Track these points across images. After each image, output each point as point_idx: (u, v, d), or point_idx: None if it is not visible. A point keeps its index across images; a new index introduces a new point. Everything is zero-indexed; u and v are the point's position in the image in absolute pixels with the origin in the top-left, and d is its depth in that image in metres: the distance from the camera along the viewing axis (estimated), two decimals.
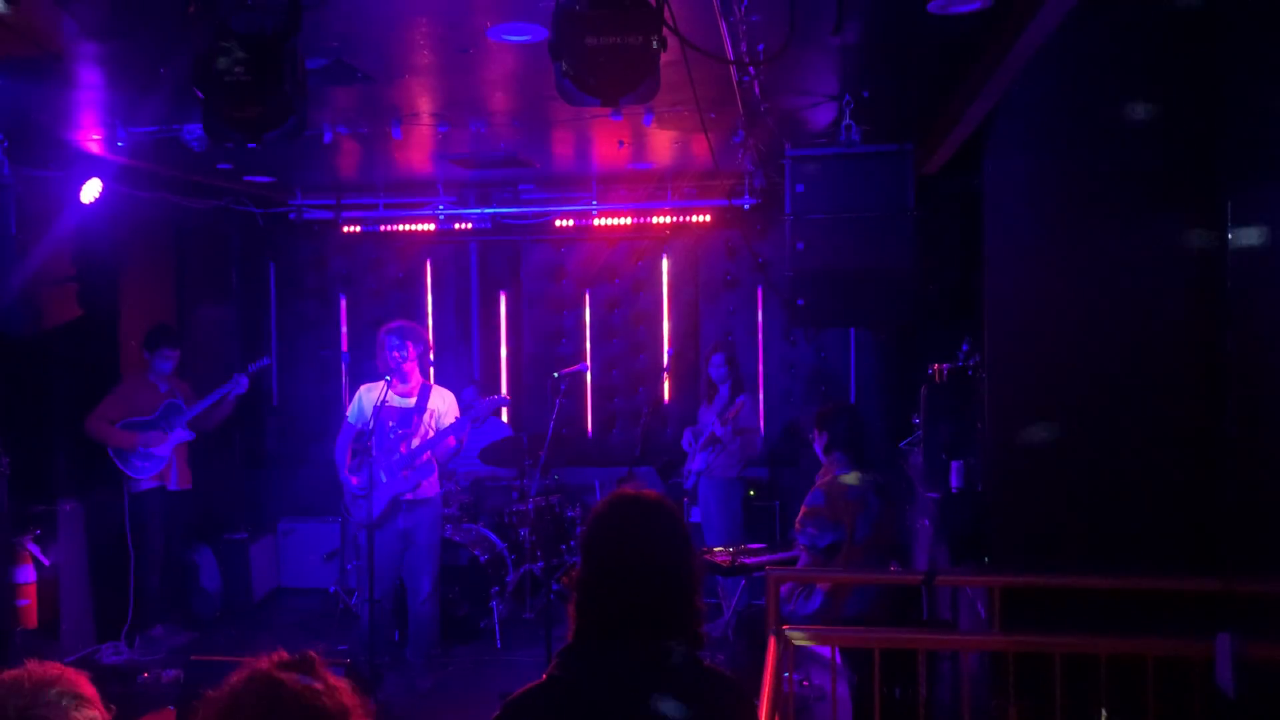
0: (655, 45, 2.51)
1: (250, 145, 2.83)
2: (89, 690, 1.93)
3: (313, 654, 1.70)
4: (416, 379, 5.91)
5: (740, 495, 6.98)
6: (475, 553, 6.66)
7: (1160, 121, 3.83)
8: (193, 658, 4.77)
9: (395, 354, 5.79)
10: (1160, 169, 3.84)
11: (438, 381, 6.27)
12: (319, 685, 1.66)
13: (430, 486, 5.97)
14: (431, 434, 5.85)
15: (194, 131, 5.05)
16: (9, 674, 1.90)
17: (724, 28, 3.50)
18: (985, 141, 4.24)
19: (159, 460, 6.57)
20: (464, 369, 8.52)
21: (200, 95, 2.68)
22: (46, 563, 6.16)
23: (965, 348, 5.39)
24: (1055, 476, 3.88)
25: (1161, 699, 3.32)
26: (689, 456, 7.06)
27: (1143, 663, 3.35)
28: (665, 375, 8.27)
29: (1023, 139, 3.97)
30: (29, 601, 6.04)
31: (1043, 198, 3.95)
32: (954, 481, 4.89)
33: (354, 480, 5.83)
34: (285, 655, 1.69)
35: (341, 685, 1.69)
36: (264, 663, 1.68)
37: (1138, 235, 3.83)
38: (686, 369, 8.31)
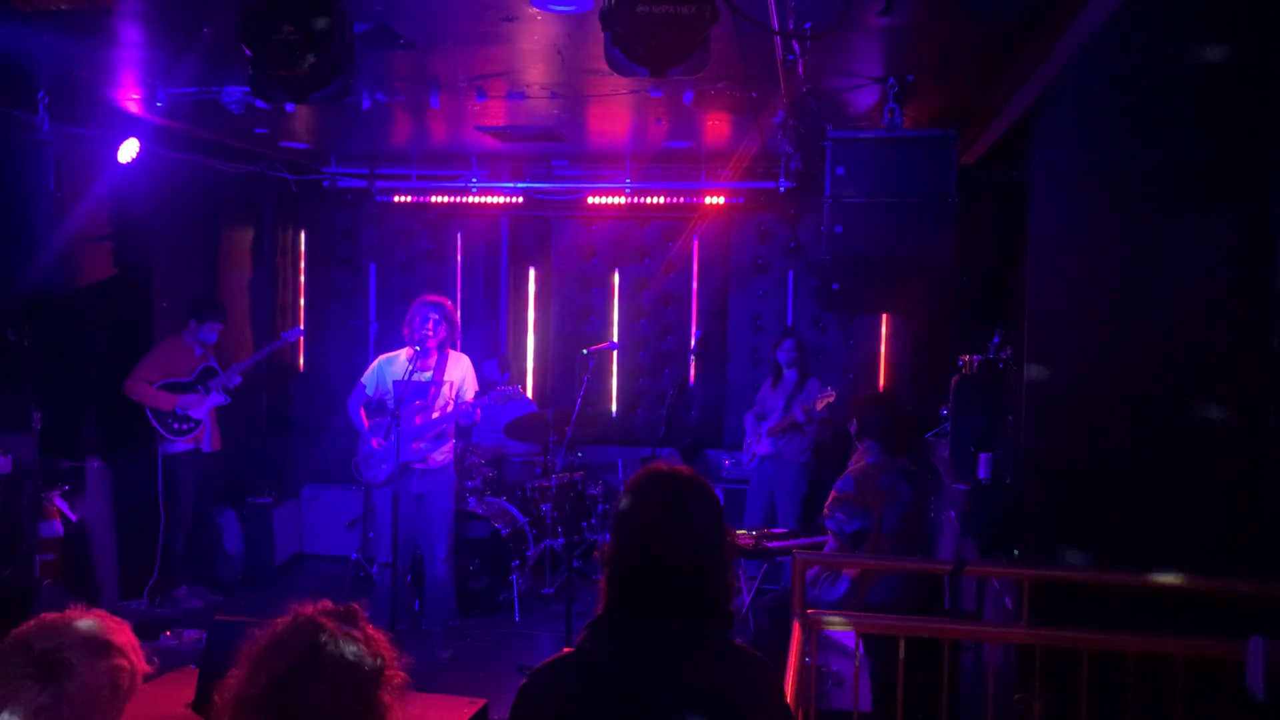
0: (708, 15, 2.48)
1: (290, 107, 2.82)
2: (122, 639, 1.95)
3: (355, 606, 1.76)
4: (434, 351, 5.93)
5: (807, 479, 6.98)
6: (496, 526, 6.68)
7: (1211, 115, 3.75)
8: (216, 618, 4.80)
9: (429, 327, 5.81)
10: (1210, 164, 3.76)
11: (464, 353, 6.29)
12: (359, 634, 1.73)
13: (444, 455, 6.01)
14: (450, 406, 5.88)
15: (233, 94, 5.05)
16: (48, 615, 1.93)
17: (772, 4, 3.46)
18: (1031, 132, 4.18)
19: (195, 423, 6.62)
20: (490, 343, 8.52)
21: (248, 52, 2.66)
22: (74, 519, 6.23)
23: (997, 340, 5.34)
24: (1090, 471, 3.82)
25: (1190, 699, 3.28)
26: (751, 439, 7.05)
27: (1172, 662, 3.31)
28: (692, 357, 8.24)
29: (1071, 130, 3.89)
30: (55, 556, 6.11)
31: (1089, 190, 3.88)
32: (982, 474, 4.85)
33: (374, 441, 5.86)
34: (330, 605, 1.74)
35: (380, 637, 1.75)
36: (309, 608, 1.75)
37: (1184, 231, 3.75)
38: (714, 351, 8.28)
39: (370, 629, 1.78)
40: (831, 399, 6.79)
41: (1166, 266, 3.79)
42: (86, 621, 1.95)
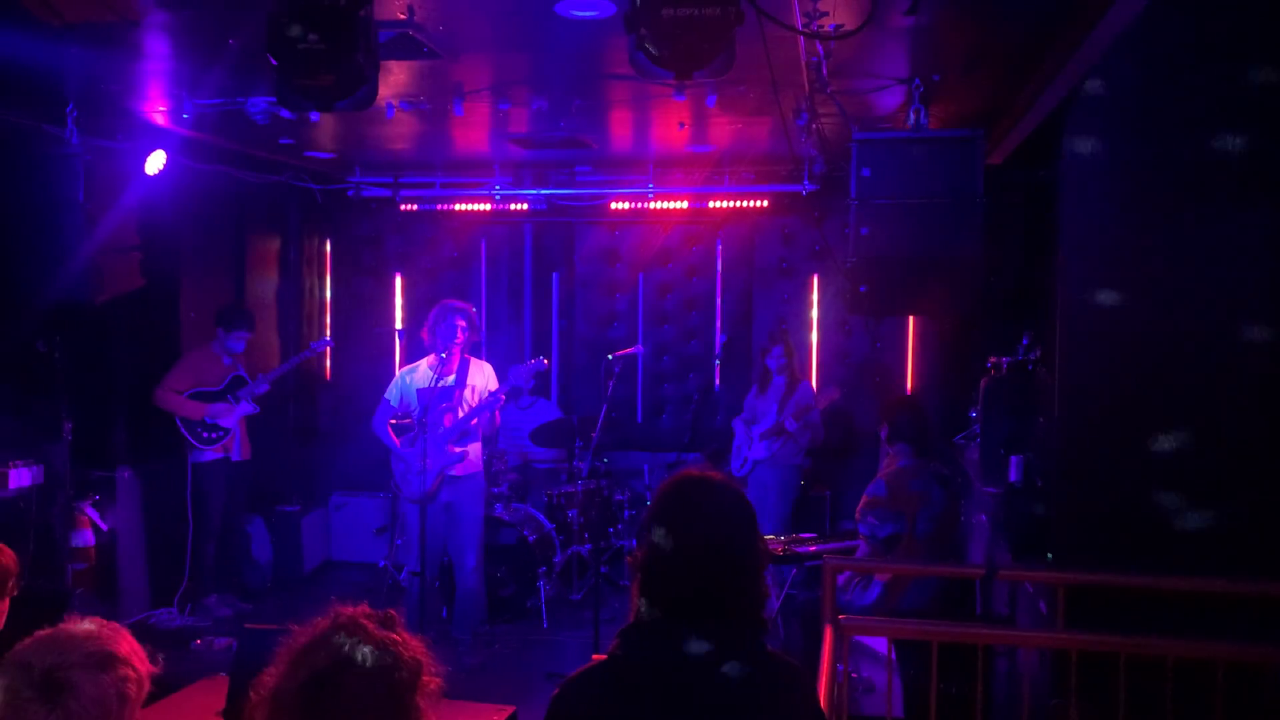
0: (732, 17, 2.46)
1: (315, 116, 2.83)
2: (124, 648, 1.94)
3: (393, 612, 1.78)
4: (456, 357, 5.95)
5: (799, 482, 6.96)
6: (524, 532, 6.67)
7: (1244, 110, 3.69)
8: (246, 626, 4.82)
9: (456, 333, 5.83)
10: (1245, 158, 3.70)
11: (489, 362, 6.31)
12: (396, 637, 1.76)
13: (474, 461, 6.02)
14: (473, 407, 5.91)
15: (258, 105, 5.09)
16: (43, 632, 1.91)
17: (796, 5, 3.44)
18: (1060, 130, 4.13)
19: (224, 431, 6.66)
20: (515, 350, 8.53)
21: (273, 62, 2.67)
22: (105, 528, 6.28)
23: (1025, 341, 5.28)
24: (1125, 474, 3.77)
25: (1230, 705, 3.22)
26: (742, 444, 7.03)
27: (1211, 668, 3.25)
28: (717, 362, 8.21)
29: (1101, 127, 3.84)
30: (87, 565, 6.16)
31: (1121, 187, 3.82)
32: (1013, 476, 4.79)
33: (407, 453, 5.90)
34: (369, 609, 1.76)
35: (416, 643, 1.76)
36: (348, 610, 1.78)
37: (1220, 227, 3.69)
38: (738, 356, 8.24)
39: (406, 633, 1.81)
40: (835, 397, 6.74)
41: (1201, 263, 3.73)
42: (85, 633, 1.92)
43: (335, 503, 8.18)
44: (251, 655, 3.34)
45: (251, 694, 1.76)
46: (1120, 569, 3.60)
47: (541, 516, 7.02)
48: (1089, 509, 3.86)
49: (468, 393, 5.96)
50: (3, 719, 1.80)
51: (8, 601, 2.66)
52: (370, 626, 1.76)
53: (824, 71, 4.31)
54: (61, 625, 1.92)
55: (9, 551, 2.72)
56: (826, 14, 3.58)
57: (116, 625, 1.97)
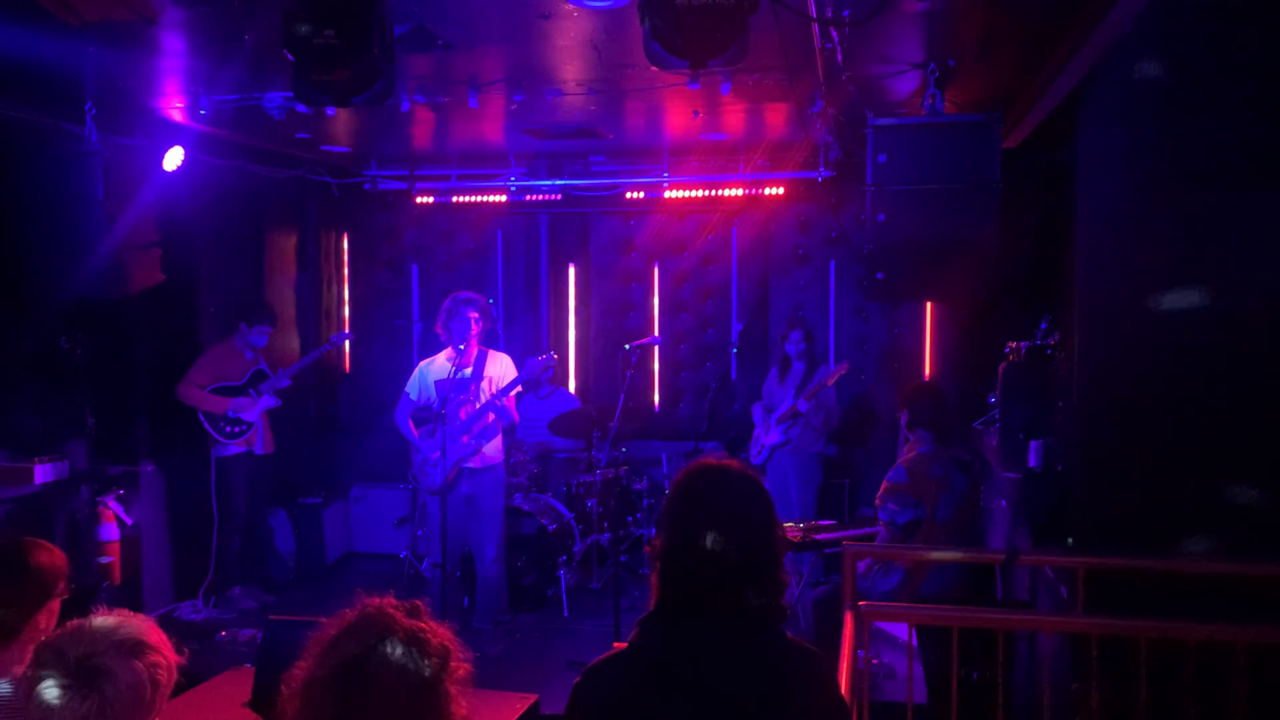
0: (746, 5, 2.46)
1: (331, 110, 2.84)
2: (153, 637, 1.97)
3: (419, 603, 1.81)
4: (474, 348, 5.97)
5: (821, 469, 6.96)
6: (543, 522, 6.70)
7: (1264, 91, 3.66)
8: (271, 618, 4.87)
9: (472, 321, 5.86)
10: (1265, 141, 3.66)
11: (506, 352, 6.33)
12: (424, 625, 1.80)
13: (493, 453, 6.04)
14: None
15: (274, 99, 5.11)
16: (72, 622, 1.94)
17: None
18: (1078, 113, 4.10)
19: (247, 425, 6.72)
20: (532, 341, 8.55)
21: (290, 58, 2.68)
22: (130, 522, 6.34)
23: (1044, 326, 5.27)
24: (1145, 458, 3.75)
25: (1252, 687, 3.21)
26: (760, 431, 7.03)
27: (1233, 650, 3.24)
28: (734, 350, 8.21)
29: (1119, 110, 3.81)
30: (113, 559, 6.23)
31: (1139, 170, 3.79)
32: (1032, 461, 4.79)
33: (426, 445, 5.93)
34: (395, 599, 1.80)
35: (444, 630, 1.79)
36: (376, 600, 1.81)
37: (1240, 209, 3.66)
38: (755, 344, 8.24)
39: (433, 622, 1.84)
40: (845, 369, 6.72)
41: (1221, 246, 3.70)
42: (114, 622, 1.96)
43: (355, 494, 8.24)
44: (277, 647, 3.38)
45: (283, 687, 1.79)
46: (1141, 553, 3.58)
47: (561, 506, 7.06)
48: (1109, 493, 3.85)
49: (485, 384, 5.98)
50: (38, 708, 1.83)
51: (59, 602, 2.69)
52: (398, 616, 1.79)
53: (838, 58, 4.29)
54: (89, 617, 1.95)
55: (59, 552, 2.76)
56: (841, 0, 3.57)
57: (142, 616, 2.00)
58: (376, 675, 1.71)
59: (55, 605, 2.67)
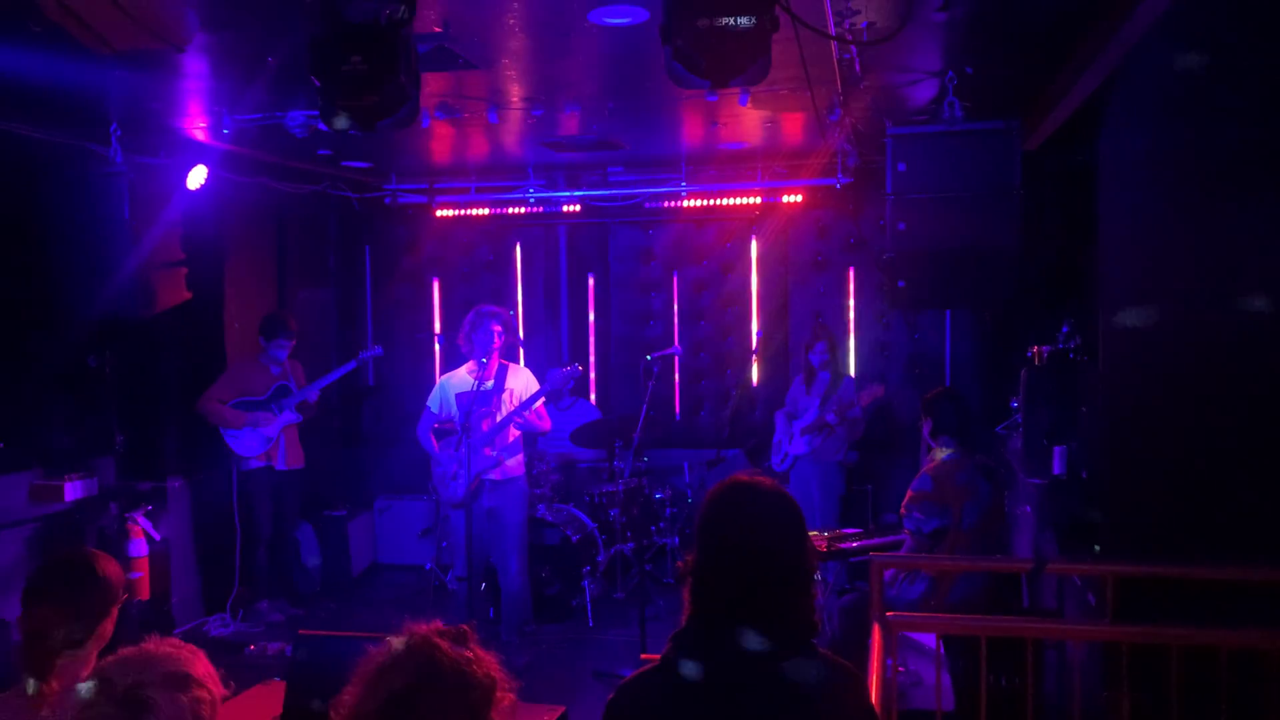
0: (768, 25, 2.47)
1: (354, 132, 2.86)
2: (200, 669, 1.99)
3: (465, 628, 1.82)
4: (495, 361, 6.01)
5: (844, 478, 6.97)
6: (567, 532, 6.73)
7: None
8: (300, 632, 4.90)
9: (495, 335, 5.90)
10: None
11: (527, 364, 6.37)
12: (470, 654, 1.80)
13: (515, 466, 6.07)
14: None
15: (296, 118, 5.16)
16: (125, 650, 1.97)
17: (828, 4, 3.45)
18: (1099, 116, 4.09)
19: (266, 440, 6.76)
20: (553, 350, 8.58)
21: (317, 83, 2.72)
22: (158, 537, 6.40)
23: (1066, 330, 5.24)
24: (1172, 463, 3.73)
25: None
26: (782, 438, 7.04)
27: (1266, 658, 3.22)
28: (754, 358, 8.21)
29: (1141, 113, 3.80)
30: (141, 574, 6.29)
31: (1162, 173, 3.78)
32: (1057, 468, 4.77)
33: (446, 459, 5.97)
34: (441, 625, 1.80)
35: (490, 659, 1.80)
36: (422, 628, 1.81)
37: (1265, 211, 3.64)
38: (775, 351, 8.24)
39: (480, 650, 1.85)
40: (880, 394, 6.75)
41: (1245, 248, 3.67)
42: (165, 654, 1.98)
43: (379, 506, 8.29)
44: (307, 661, 3.41)
45: (331, 714, 1.80)
46: (1170, 560, 3.57)
47: (584, 516, 7.07)
48: (1136, 499, 3.83)
49: (506, 397, 6.01)
50: None
51: (116, 609, 2.76)
52: (445, 645, 1.79)
53: (856, 68, 4.31)
54: (143, 645, 1.98)
55: (115, 563, 2.82)
56: (858, 12, 3.58)
57: (194, 648, 2.03)
58: (424, 705, 1.72)
59: (115, 613, 2.74)
